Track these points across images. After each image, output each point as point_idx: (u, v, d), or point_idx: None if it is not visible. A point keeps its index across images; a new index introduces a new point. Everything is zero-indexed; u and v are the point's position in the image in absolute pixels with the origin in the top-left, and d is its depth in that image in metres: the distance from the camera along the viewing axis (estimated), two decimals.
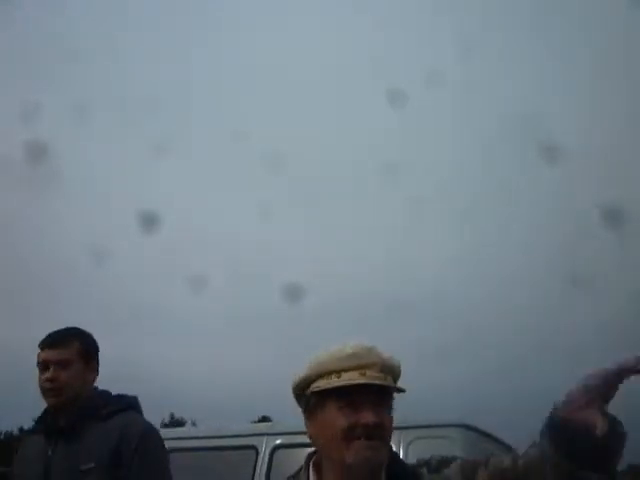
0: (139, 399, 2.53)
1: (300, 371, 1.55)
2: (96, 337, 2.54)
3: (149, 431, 2.42)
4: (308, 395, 1.53)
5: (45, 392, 2.39)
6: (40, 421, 2.49)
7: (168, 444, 5.11)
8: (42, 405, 2.50)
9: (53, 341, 2.43)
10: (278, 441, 4.67)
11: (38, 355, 2.43)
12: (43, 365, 2.40)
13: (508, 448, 4.68)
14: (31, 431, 2.56)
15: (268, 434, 4.83)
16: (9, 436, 26.19)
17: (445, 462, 1.54)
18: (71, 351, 2.43)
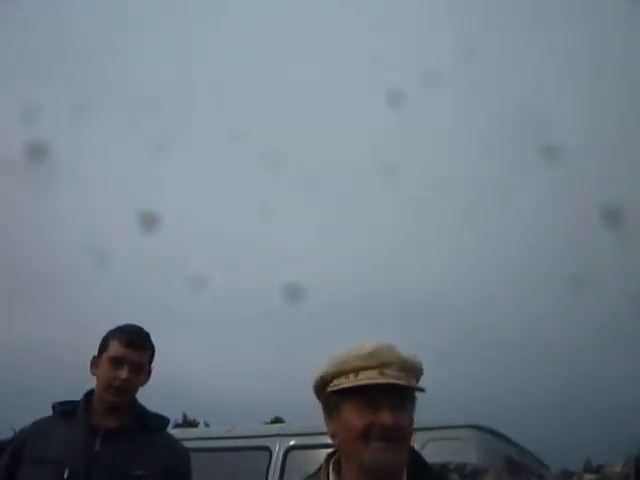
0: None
1: (319, 370, 1.53)
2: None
3: (189, 456, 2.50)
4: (327, 394, 1.51)
5: (111, 388, 2.37)
6: (71, 410, 2.42)
7: None
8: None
9: (136, 341, 2.41)
10: (291, 442, 4.68)
11: (116, 349, 2.38)
12: (118, 361, 2.37)
13: (520, 449, 4.67)
14: (56, 416, 2.45)
15: (281, 435, 4.83)
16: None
17: (479, 472, 1.51)
18: (146, 356, 2.45)
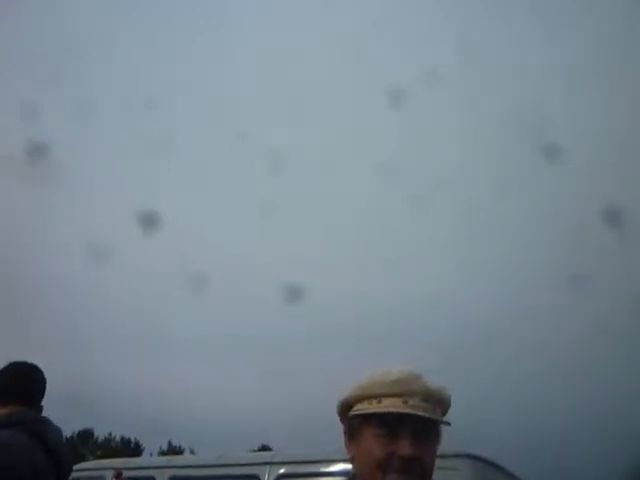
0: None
1: (344, 392, 1.51)
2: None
3: None
4: (349, 417, 1.49)
5: None
6: None
7: (170, 472, 4.98)
8: None
9: None
10: (281, 470, 4.57)
11: None
12: None
13: (515, 479, 4.59)
14: None
15: (271, 463, 4.73)
16: None
17: None
18: None
